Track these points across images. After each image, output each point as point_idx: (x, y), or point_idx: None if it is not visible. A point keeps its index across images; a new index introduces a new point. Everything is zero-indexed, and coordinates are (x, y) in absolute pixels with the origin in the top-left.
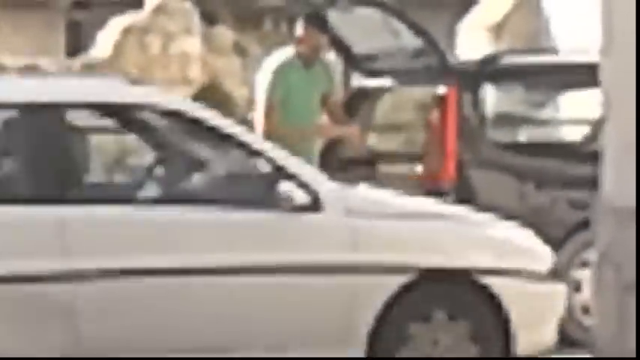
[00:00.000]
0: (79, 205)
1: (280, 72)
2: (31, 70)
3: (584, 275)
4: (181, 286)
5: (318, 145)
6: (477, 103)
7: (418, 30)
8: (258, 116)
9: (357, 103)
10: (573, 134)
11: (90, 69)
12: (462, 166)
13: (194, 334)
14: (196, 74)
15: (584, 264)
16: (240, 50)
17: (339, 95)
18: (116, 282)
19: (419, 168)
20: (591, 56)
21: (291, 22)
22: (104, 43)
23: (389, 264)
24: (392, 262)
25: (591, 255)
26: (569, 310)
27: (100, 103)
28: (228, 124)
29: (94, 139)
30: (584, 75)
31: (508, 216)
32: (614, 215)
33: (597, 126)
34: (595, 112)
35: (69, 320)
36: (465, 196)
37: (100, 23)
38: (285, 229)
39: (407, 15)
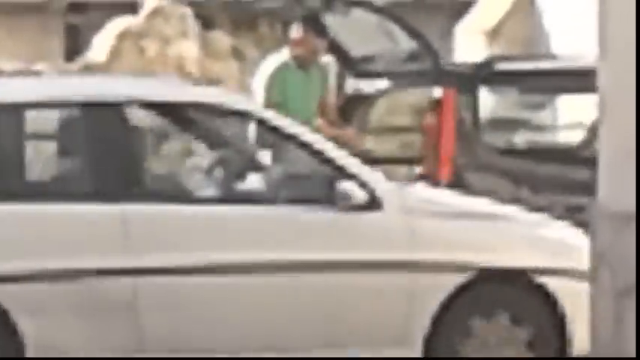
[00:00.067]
0: (141, 202)
1: (277, 75)
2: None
3: None
4: (241, 284)
5: None
6: (472, 107)
7: (414, 33)
8: None
9: (352, 106)
10: (569, 138)
11: (87, 73)
12: (457, 170)
13: (252, 332)
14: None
15: None
16: (237, 54)
17: (333, 98)
18: (177, 278)
19: (415, 171)
20: (587, 61)
21: (287, 25)
22: (100, 46)
23: (447, 263)
24: (450, 262)
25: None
26: None
27: (165, 102)
28: (290, 124)
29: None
30: (579, 80)
31: None
32: (610, 220)
33: (594, 130)
34: (591, 117)
35: (130, 316)
36: None
37: (97, 27)
38: (344, 227)
39: (402, 18)
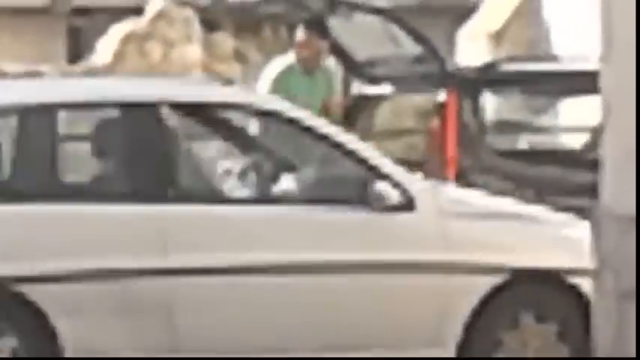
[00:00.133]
0: (177, 203)
1: (282, 78)
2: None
3: None
4: (275, 284)
5: None
6: (476, 110)
7: (418, 37)
8: None
9: (357, 109)
10: (573, 141)
11: (91, 76)
12: (461, 173)
13: (287, 332)
14: None
15: None
16: (240, 57)
17: (340, 98)
18: (212, 279)
19: (419, 174)
20: (591, 64)
21: (291, 29)
22: (104, 49)
23: (480, 264)
24: (483, 263)
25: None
26: None
27: (197, 103)
28: (323, 125)
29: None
30: (583, 82)
31: None
32: (613, 223)
33: (597, 133)
34: (594, 120)
35: (166, 317)
36: None
37: (100, 30)
38: (379, 228)
39: (407, 22)
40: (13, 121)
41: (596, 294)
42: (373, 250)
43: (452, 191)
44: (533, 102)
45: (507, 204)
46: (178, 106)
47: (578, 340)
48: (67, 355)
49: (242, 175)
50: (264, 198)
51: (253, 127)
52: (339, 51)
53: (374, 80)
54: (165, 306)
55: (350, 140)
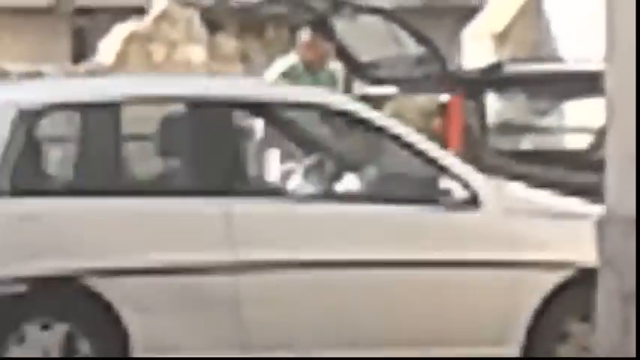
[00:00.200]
0: (244, 199)
1: (284, 79)
2: (36, 76)
3: None
4: (341, 280)
5: None
6: (480, 111)
7: (421, 38)
8: None
9: None
10: (577, 142)
11: (94, 76)
12: None
13: (352, 328)
14: None
15: None
16: (243, 58)
17: None
18: (279, 274)
19: None
20: (594, 65)
21: (294, 30)
22: (107, 50)
23: (546, 262)
24: (549, 260)
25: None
26: None
27: (270, 103)
28: (394, 125)
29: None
30: (587, 83)
31: None
32: (617, 224)
33: (601, 134)
34: (598, 121)
35: (232, 311)
36: None
37: (104, 30)
38: (446, 225)
39: (410, 23)
40: (77, 117)
41: (600, 295)
42: (440, 247)
43: (517, 189)
44: (537, 103)
45: (571, 202)
46: (249, 106)
47: None
48: (137, 350)
49: (306, 173)
50: (329, 195)
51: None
52: (342, 52)
53: (377, 81)
54: (233, 301)
55: (419, 140)
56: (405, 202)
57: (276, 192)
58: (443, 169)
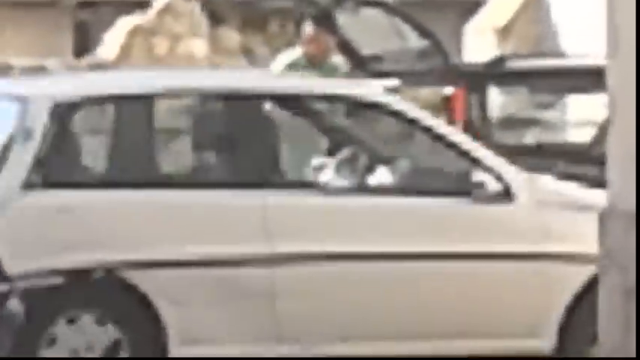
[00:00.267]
0: (279, 191)
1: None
2: (38, 70)
3: None
4: (375, 272)
5: None
6: (483, 105)
7: (424, 31)
8: None
9: None
10: (579, 136)
11: (97, 70)
12: None
13: (386, 320)
14: None
15: None
16: (246, 51)
17: None
18: (314, 266)
19: None
20: (597, 60)
21: (297, 24)
22: (111, 43)
23: (579, 255)
24: (582, 253)
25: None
26: None
27: (303, 95)
28: (426, 117)
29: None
30: (589, 78)
31: None
32: (619, 218)
33: (604, 128)
34: (601, 115)
35: (268, 304)
36: None
37: (106, 24)
38: (478, 218)
39: (413, 16)
40: (111, 109)
41: (602, 290)
42: (472, 240)
43: (550, 182)
44: (540, 97)
45: (600, 195)
46: (284, 98)
47: None
48: (173, 342)
49: (339, 166)
50: (362, 188)
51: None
52: (345, 46)
53: (380, 75)
54: (268, 293)
55: (452, 132)
56: (437, 195)
57: (310, 185)
58: (476, 162)
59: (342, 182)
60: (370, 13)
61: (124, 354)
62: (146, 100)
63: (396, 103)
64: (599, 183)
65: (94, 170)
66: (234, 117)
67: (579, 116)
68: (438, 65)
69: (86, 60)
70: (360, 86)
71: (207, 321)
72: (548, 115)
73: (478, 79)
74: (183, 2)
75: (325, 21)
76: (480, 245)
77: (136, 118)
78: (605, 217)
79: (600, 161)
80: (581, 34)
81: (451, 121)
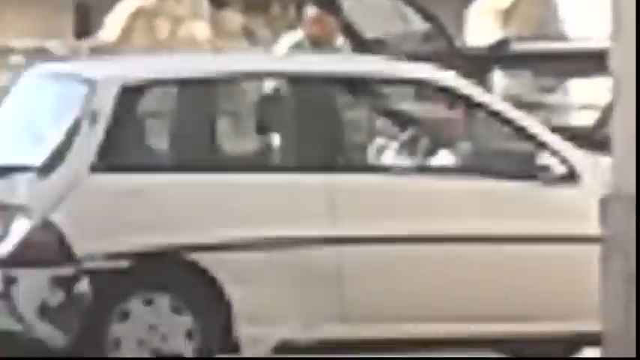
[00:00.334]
0: (344, 173)
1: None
2: (39, 52)
3: None
4: (440, 254)
5: None
6: (486, 88)
7: (427, 15)
8: None
9: None
10: (583, 120)
11: (98, 52)
12: None
13: (451, 301)
14: None
15: None
16: (248, 34)
17: None
18: (382, 248)
19: None
20: (600, 43)
21: (300, 6)
22: (112, 26)
23: None
24: None
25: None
26: None
27: (379, 78)
28: (495, 101)
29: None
30: (593, 61)
31: None
32: (621, 202)
33: (607, 112)
34: (604, 98)
35: (334, 285)
36: None
37: (108, 6)
38: (544, 200)
39: (416, 0)
40: (176, 92)
41: (604, 275)
42: (537, 221)
43: None
44: (543, 80)
45: None
46: (350, 82)
47: None
48: (240, 323)
49: (401, 147)
50: (427, 169)
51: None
52: (348, 29)
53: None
54: (335, 274)
55: (520, 116)
56: (503, 177)
57: (374, 166)
58: (542, 145)
59: (406, 162)
60: None
61: (191, 336)
62: (211, 83)
63: (466, 87)
64: None
65: (160, 153)
66: (301, 100)
67: (582, 99)
68: (441, 48)
69: (87, 42)
70: (433, 70)
71: (274, 302)
72: (552, 98)
73: (481, 62)
74: None
75: (328, 4)
76: (544, 228)
77: (200, 100)
78: (607, 201)
79: (603, 144)
80: (584, 18)
81: (453, 104)
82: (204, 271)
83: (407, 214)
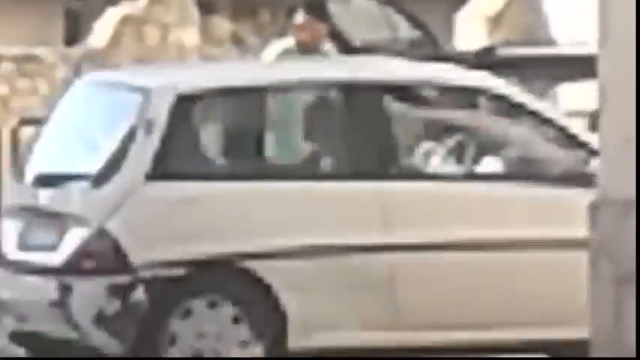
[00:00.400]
0: (396, 180)
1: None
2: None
3: None
4: (493, 260)
5: None
6: None
7: (415, 21)
8: None
9: None
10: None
11: (87, 59)
12: None
13: (506, 309)
14: None
15: None
16: (237, 41)
17: None
18: (434, 255)
19: None
20: (588, 48)
21: (289, 13)
22: (101, 33)
23: None
24: None
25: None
26: None
27: (434, 86)
28: (547, 108)
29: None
30: (581, 67)
31: None
32: (611, 207)
33: (595, 117)
34: (593, 104)
35: (387, 292)
36: None
37: (97, 13)
38: None
39: (404, 6)
40: (228, 101)
41: (593, 280)
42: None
43: None
44: (531, 86)
45: None
46: (399, 89)
47: None
48: (294, 331)
49: (448, 154)
50: (477, 176)
51: None
52: (337, 36)
53: None
54: (387, 281)
55: (570, 124)
56: (553, 184)
57: (424, 173)
58: (593, 153)
59: (454, 169)
60: (362, 2)
61: (247, 344)
62: (263, 92)
63: (519, 94)
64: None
65: (213, 161)
66: (352, 108)
67: (570, 105)
68: (430, 55)
69: (76, 49)
70: (485, 78)
71: (328, 309)
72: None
73: (470, 68)
74: None
75: (317, 10)
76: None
77: (253, 109)
78: (595, 206)
79: (592, 150)
80: (572, 23)
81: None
82: (258, 279)
83: (459, 221)
